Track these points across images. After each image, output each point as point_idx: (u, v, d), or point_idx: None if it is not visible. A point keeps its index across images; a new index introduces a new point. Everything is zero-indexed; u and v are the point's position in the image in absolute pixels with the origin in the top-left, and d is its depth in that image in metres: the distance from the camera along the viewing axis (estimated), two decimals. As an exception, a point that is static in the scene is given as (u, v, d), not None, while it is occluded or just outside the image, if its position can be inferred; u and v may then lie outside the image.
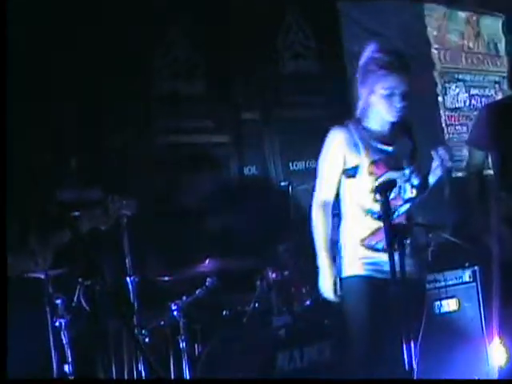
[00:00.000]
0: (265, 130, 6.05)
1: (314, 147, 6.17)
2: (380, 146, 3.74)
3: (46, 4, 4.77)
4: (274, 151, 6.04)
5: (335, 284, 3.79)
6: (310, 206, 3.88)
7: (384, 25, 6.60)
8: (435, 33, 7.31)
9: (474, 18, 7.67)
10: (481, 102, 7.46)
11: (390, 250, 3.25)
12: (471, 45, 7.65)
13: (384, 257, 3.53)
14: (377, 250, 3.69)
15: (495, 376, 4.70)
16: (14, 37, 3.79)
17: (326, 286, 3.81)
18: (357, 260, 3.76)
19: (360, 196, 3.71)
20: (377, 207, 3.60)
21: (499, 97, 7.54)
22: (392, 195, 3.60)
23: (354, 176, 3.73)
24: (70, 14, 4.88)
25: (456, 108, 7.35)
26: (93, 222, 3.84)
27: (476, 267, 5.12)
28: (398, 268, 3.35)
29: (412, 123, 3.89)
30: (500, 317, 4.47)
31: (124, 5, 5.18)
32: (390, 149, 3.75)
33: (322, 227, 3.81)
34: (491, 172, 4.66)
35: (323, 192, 3.84)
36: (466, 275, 5.11)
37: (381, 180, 3.65)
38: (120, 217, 4.01)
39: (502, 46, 7.89)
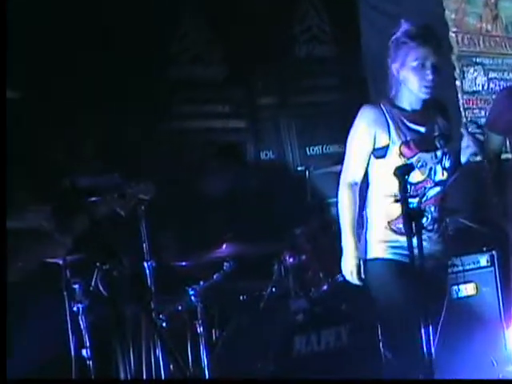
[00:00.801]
0: (281, 115, 6.05)
1: (330, 131, 6.24)
2: (412, 125, 3.67)
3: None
4: (291, 136, 6.04)
5: (359, 267, 3.73)
6: (328, 190, 3.86)
7: (401, 8, 6.54)
8: (453, 16, 7.24)
9: (493, 0, 7.61)
10: (499, 86, 7.40)
11: (408, 233, 3.22)
12: (489, 27, 7.58)
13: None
14: (403, 234, 3.49)
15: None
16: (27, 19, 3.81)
17: (349, 268, 3.75)
18: (382, 243, 3.70)
19: (388, 178, 3.56)
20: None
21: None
22: (422, 177, 3.63)
23: (383, 157, 3.66)
24: (86, 3, 4.89)
25: (474, 91, 7.29)
26: (111, 206, 3.83)
27: (494, 252, 5.09)
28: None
29: (446, 102, 3.85)
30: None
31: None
32: (422, 129, 3.68)
33: (349, 208, 3.74)
34: (509, 156, 4.64)
35: (351, 171, 3.76)
36: (484, 260, 5.08)
37: (413, 161, 3.61)
38: (138, 201, 4.01)
39: (520, 29, 7.82)
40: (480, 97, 7.31)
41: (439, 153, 3.69)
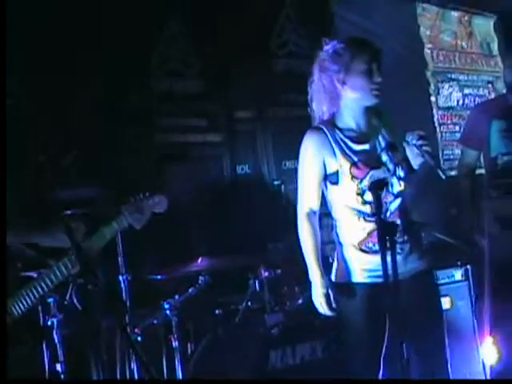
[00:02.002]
0: (258, 129, 6.06)
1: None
2: (356, 146, 3.54)
3: (43, 4, 4.77)
4: (267, 150, 6.05)
5: (327, 297, 3.56)
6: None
7: (377, 24, 6.61)
8: (428, 32, 7.33)
9: (466, 17, 7.70)
10: (474, 102, 7.49)
11: (382, 250, 3.23)
12: (464, 44, 7.68)
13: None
14: (375, 253, 3.47)
15: (487, 375, 4.71)
16: (11, 36, 3.80)
17: (318, 300, 3.59)
18: (355, 265, 3.57)
19: (348, 200, 3.53)
20: (368, 209, 3.49)
21: (492, 96, 7.57)
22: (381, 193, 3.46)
23: (336, 183, 3.54)
24: (66, 14, 4.89)
25: (449, 107, 7.37)
26: (128, 221, 3.71)
27: (468, 266, 5.13)
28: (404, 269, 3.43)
29: (387, 111, 3.67)
30: (491, 316, 4.48)
31: (120, 3, 5.19)
32: (366, 147, 3.56)
33: (310, 238, 3.60)
34: (483, 171, 4.68)
35: (306, 201, 3.62)
36: (458, 274, 5.12)
37: (366, 181, 3.49)
38: (153, 215, 3.86)
39: (494, 46, 7.92)
40: (455, 112, 7.39)
41: (390, 165, 3.55)
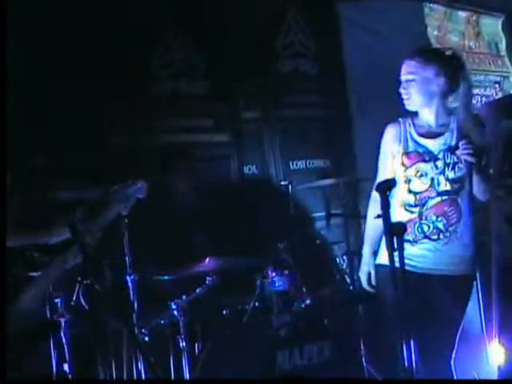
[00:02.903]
0: (265, 130, 6.07)
1: (314, 147, 6.26)
2: (420, 139, 3.82)
3: (43, 4, 4.78)
4: (274, 150, 6.06)
5: (369, 274, 3.92)
6: (311, 204, 3.89)
7: (384, 25, 6.60)
8: (436, 33, 7.32)
9: (474, 17, 7.68)
10: (481, 102, 7.46)
11: (389, 249, 3.23)
12: (472, 45, 7.66)
13: (412, 250, 3.73)
14: (406, 242, 3.58)
15: (495, 375, 4.69)
16: (11, 40, 3.81)
17: (362, 276, 3.97)
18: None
19: (398, 187, 3.73)
20: (411, 199, 3.75)
21: (499, 96, 7.55)
22: (425, 187, 3.75)
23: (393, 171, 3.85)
24: (69, 14, 4.89)
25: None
26: (117, 208, 3.79)
27: (476, 266, 5.10)
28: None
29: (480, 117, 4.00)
30: (499, 316, 4.47)
31: (124, 3, 5.19)
32: (429, 142, 3.80)
33: (371, 219, 3.89)
34: (491, 171, 4.65)
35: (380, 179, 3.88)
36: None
37: (412, 170, 3.75)
38: (136, 200, 3.97)
39: (502, 46, 7.90)
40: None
41: (440, 163, 3.77)
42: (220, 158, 5.67)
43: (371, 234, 3.94)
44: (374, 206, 3.89)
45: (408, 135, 3.84)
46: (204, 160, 5.55)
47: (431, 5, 7.30)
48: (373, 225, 3.91)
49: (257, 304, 4.61)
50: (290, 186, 5.33)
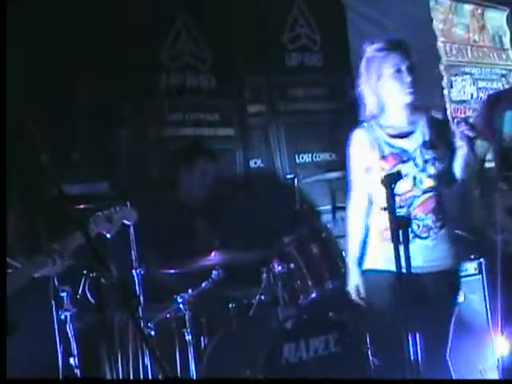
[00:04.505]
0: (271, 123, 6.06)
1: (319, 140, 6.25)
2: (392, 140, 3.79)
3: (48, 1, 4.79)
4: (280, 144, 6.05)
5: (358, 286, 3.89)
6: (317, 198, 3.91)
7: (390, 18, 6.58)
8: (441, 26, 7.29)
9: (479, 10, 7.65)
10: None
11: (395, 242, 3.24)
12: (477, 38, 7.63)
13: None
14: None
15: (499, 368, 4.69)
16: (14, 31, 3.81)
17: (350, 288, 3.93)
18: (379, 253, 3.79)
19: (378, 190, 3.68)
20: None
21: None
22: (409, 187, 3.72)
23: (371, 174, 3.81)
24: (76, 8, 4.89)
25: (462, 101, 7.33)
26: (99, 229, 3.84)
27: (482, 259, 5.11)
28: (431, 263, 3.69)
29: (430, 107, 3.97)
30: (504, 310, 4.46)
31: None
32: (402, 142, 3.78)
33: (354, 228, 3.90)
34: (493, 164, 4.64)
35: (355, 191, 3.91)
36: (472, 267, 5.10)
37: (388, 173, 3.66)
38: (122, 225, 4.02)
39: (507, 39, 7.87)
40: (468, 106, 7.35)
41: (419, 161, 3.75)
42: (226, 152, 5.66)
43: (353, 246, 3.91)
44: (353, 215, 3.92)
45: (380, 139, 3.80)
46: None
47: (437, -2, 7.29)
48: (354, 235, 3.90)
49: (263, 297, 4.61)
50: (295, 180, 5.32)
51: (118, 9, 5.12)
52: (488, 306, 5.05)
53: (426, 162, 3.75)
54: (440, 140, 3.81)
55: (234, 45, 5.83)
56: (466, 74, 7.44)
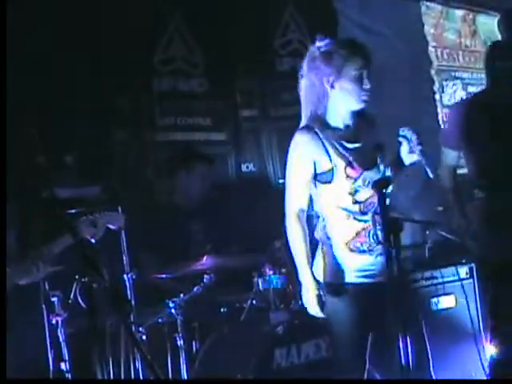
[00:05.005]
0: (263, 128, 6.06)
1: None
2: (349, 144, 3.51)
3: (42, 3, 4.78)
4: (272, 148, 6.05)
5: (320, 299, 3.54)
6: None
7: (381, 23, 6.61)
8: (432, 31, 7.32)
9: (471, 16, 7.69)
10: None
11: (386, 246, 3.20)
12: (468, 43, 7.66)
13: (370, 259, 3.52)
14: (362, 252, 3.51)
15: (490, 371, 4.69)
16: (11, 37, 3.81)
17: (312, 303, 3.57)
18: (345, 265, 3.55)
19: (339, 199, 3.50)
20: (357, 208, 3.48)
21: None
22: (369, 193, 3.48)
23: (330, 181, 3.49)
24: (68, 12, 4.89)
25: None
26: (83, 233, 3.84)
27: (473, 264, 5.12)
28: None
29: (373, 113, 3.67)
30: (491, 316, 4.46)
31: (124, 2, 5.19)
32: (359, 145, 3.54)
33: (301, 239, 3.56)
34: (465, 170, 4.63)
35: (296, 200, 3.59)
36: (463, 272, 5.11)
37: (360, 181, 3.48)
38: (108, 230, 4.02)
39: (498, 45, 7.89)
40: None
41: (381, 166, 3.58)
42: (217, 156, 5.66)
43: (305, 255, 3.54)
44: (294, 224, 3.57)
45: (335, 142, 3.49)
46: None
47: (428, 3, 7.30)
48: (302, 244, 3.54)
49: (254, 302, 4.61)
50: (287, 184, 5.31)
51: (111, 13, 5.12)
52: (480, 310, 5.06)
53: (385, 166, 3.57)
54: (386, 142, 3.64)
55: (226, 49, 5.82)
56: (457, 78, 7.47)
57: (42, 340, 3.98)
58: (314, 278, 3.56)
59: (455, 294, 5.02)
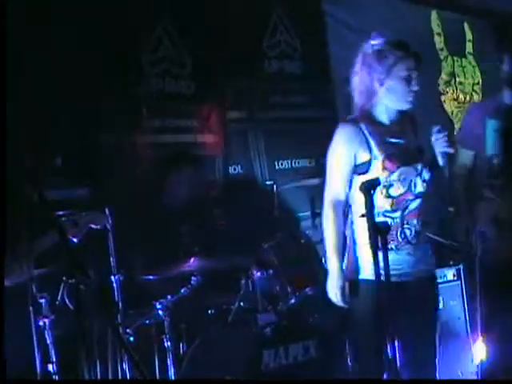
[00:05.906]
0: (250, 130, 6.06)
1: (299, 146, 6.26)
2: (392, 139, 3.65)
3: (33, 4, 4.76)
4: (260, 150, 6.05)
5: (343, 289, 3.64)
6: (296, 204, 3.83)
7: (370, 25, 6.61)
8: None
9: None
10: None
11: (373, 248, 3.21)
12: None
13: (396, 257, 3.59)
14: (389, 250, 3.44)
15: (479, 374, 4.71)
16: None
17: (333, 291, 3.67)
18: (365, 261, 3.62)
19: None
20: (387, 203, 3.60)
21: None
22: (403, 190, 3.61)
23: (366, 172, 3.61)
24: (55, 13, 4.87)
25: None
26: (64, 233, 3.83)
27: (460, 266, 5.14)
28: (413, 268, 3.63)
29: (416, 117, 3.82)
30: (483, 317, 4.47)
31: (111, 3, 5.18)
32: (401, 142, 3.67)
33: (333, 228, 3.66)
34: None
35: (333, 190, 3.70)
36: (450, 274, 5.13)
37: (395, 176, 3.60)
38: (90, 230, 4.02)
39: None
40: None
41: (419, 166, 3.68)
42: (205, 158, 5.65)
43: (335, 245, 3.65)
44: (330, 213, 3.68)
45: (377, 136, 3.63)
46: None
47: (418, 6, 7.35)
48: (334, 234, 3.66)
49: (242, 303, 4.62)
50: (275, 186, 5.32)
51: (99, 15, 5.10)
52: (467, 311, 5.07)
53: (423, 166, 3.68)
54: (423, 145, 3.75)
55: (214, 51, 5.82)
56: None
57: (29, 342, 3.96)
58: (342, 268, 3.66)
59: (443, 295, 5.02)
